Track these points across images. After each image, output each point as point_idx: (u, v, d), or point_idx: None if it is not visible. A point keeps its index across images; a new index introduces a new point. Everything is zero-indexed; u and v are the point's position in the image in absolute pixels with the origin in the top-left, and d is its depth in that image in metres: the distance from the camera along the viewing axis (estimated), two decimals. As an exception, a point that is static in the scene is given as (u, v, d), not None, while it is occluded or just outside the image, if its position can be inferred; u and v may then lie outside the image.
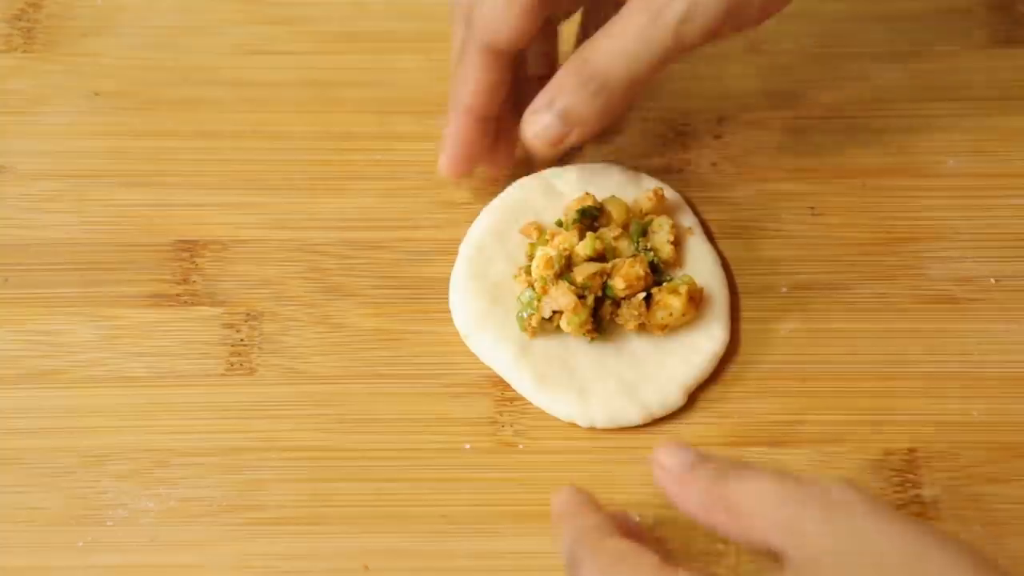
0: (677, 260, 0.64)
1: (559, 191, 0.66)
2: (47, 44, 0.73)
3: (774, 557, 0.49)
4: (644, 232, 0.63)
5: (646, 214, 0.64)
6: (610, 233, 0.63)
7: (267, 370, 0.62)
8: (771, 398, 0.61)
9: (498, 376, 0.62)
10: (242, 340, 0.63)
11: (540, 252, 0.62)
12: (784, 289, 0.64)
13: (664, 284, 0.62)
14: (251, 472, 0.59)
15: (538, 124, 0.60)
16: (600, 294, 0.61)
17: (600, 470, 0.59)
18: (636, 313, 0.61)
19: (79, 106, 0.71)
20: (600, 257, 0.62)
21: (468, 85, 0.62)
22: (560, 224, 0.64)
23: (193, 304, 0.64)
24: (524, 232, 0.64)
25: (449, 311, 0.63)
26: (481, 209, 0.66)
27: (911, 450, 0.60)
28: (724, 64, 0.71)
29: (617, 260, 0.62)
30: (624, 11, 0.58)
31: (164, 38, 0.73)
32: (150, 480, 0.59)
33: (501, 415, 0.61)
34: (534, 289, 0.61)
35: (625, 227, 0.63)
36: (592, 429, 0.60)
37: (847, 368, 0.62)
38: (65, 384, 0.62)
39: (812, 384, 0.62)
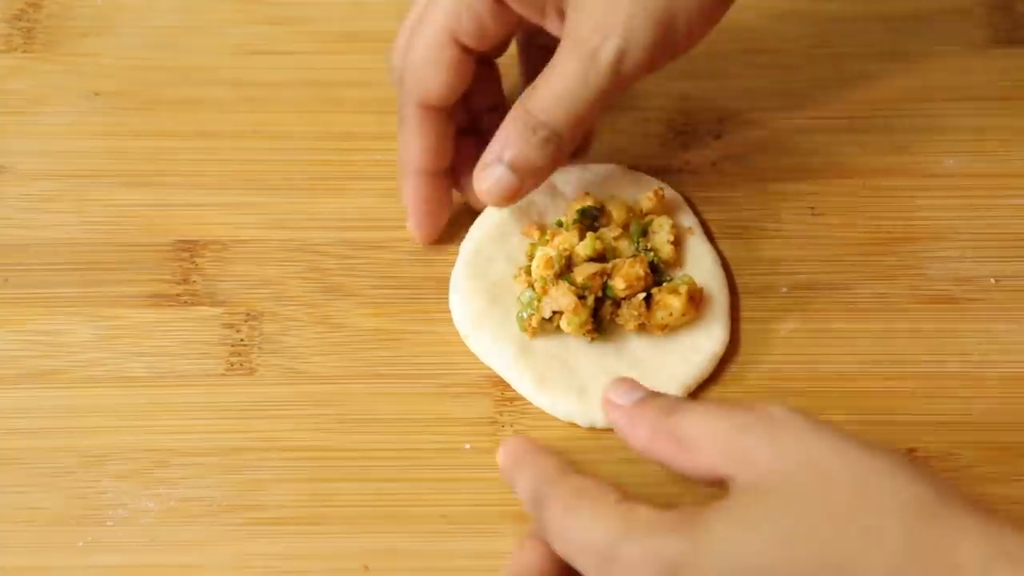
0: (677, 260, 0.64)
1: (559, 191, 0.66)
2: (47, 44, 0.73)
3: (721, 488, 0.49)
4: (644, 232, 0.63)
5: (646, 214, 0.64)
6: (610, 233, 0.63)
7: (267, 370, 0.62)
8: (771, 398, 0.61)
9: (498, 376, 0.62)
10: (242, 340, 0.63)
11: (540, 252, 0.62)
12: (784, 289, 0.64)
13: (664, 284, 0.62)
14: (251, 472, 0.59)
15: (490, 178, 0.60)
16: (600, 294, 0.61)
17: (600, 470, 0.59)
18: (636, 313, 0.61)
19: (79, 106, 0.71)
20: (600, 257, 0.62)
21: (413, 147, 0.62)
22: (560, 224, 0.64)
23: (193, 304, 0.64)
24: (524, 232, 0.64)
25: (449, 311, 0.63)
26: (481, 209, 0.66)
27: (911, 450, 0.60)
28: (724, 64, 0.71)
29: (617, 260, 0.62)
30: (559, 57, 0.58)
31: (164, 38, 0.73)
32: (150, 480, 0.59)
33: (501, 415, 0.61)
34: (534, 289, 0.61)
35: (625, 227, 0.63)
36: (592, 429, 0.60)
37: (847, 368, 0.62)
38: (65, 384, 0.62)
39: (812, 384, 0.62)
